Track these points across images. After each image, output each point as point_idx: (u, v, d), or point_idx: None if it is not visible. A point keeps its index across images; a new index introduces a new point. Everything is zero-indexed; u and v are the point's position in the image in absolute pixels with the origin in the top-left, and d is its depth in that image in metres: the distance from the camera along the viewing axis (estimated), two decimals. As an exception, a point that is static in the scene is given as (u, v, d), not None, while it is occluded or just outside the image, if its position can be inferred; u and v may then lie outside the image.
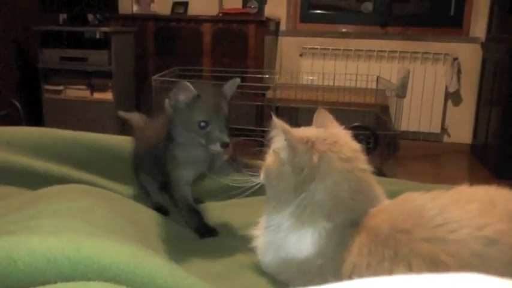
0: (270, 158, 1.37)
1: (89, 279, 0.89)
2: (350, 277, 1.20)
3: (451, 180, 4.55)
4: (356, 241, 1.22)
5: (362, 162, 1.32)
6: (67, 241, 0.95)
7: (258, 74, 5.12)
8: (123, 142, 2.10)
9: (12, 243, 0.93)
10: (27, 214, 1.25)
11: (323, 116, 1.47)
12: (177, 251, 1.49)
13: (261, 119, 5.12)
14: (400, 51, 5.97)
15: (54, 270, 0.89)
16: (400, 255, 1.14)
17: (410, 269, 1.11)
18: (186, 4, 6.19)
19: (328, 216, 1.25)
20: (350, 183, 1.28)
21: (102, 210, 1.37)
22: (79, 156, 2.01)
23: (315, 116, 1.48)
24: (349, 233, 1.24)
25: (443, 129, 6.10)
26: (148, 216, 1.70)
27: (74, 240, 0.96)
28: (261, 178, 1.42)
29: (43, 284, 0.88)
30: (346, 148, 1.31)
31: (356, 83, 5.36)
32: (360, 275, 1.17)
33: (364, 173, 1.32)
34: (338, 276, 1.21)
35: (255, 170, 1.52)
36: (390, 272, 1.14)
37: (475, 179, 4.54)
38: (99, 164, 2.03)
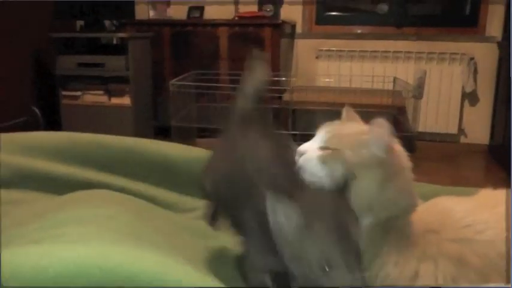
0: (348, 154, 1.30)
1: (118, 287, 0.90)
2: (377, 274, 1.23)
3: (469, 181, 4.52)
4: (386, 239, 1.24)
5: (411, 170, 1.34)
6: (97, 249, 0.97)
7: (275, 77, 5.12)
8: (141, 143, 2.11)
9: (43, 252, 0.95)
10: (53, 222, 1.26)
11: (350, 114, 1.47)
12: (204, 258, 1.47)
13: (278, 121, 5.12)
14: (416, 52, 5.95)
15: (84, 278, 0.91)
16: (427, 254, 1.17)
17: (436, 268, 1.14)
18: (202, 9, 6.20)
19: (377, 212, 1.26)
20: (407, 187, 1.30)
21: (127, 217, 1.39)
22: (99, 158, 2.02)
23: (343, 114, 1.47)
24: (382, 231, 1.26)
25: (460, 130, 6.09)
26: (173, 223, 1.71)
27: (104, 248, 0.99)
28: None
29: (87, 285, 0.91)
30: (404, 155, 1.33)
31: (372, 85, 5.36)
32: (387, 272, 1.21)
33: (412, 181, 1.34)
34: (365, 273, 1.21)
35: None
36: (417, 271, 1.17)
37: (493, 180, 4.53)
38: (118, 165, 2.03)
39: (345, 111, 1.48)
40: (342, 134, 1.35)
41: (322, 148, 1.33)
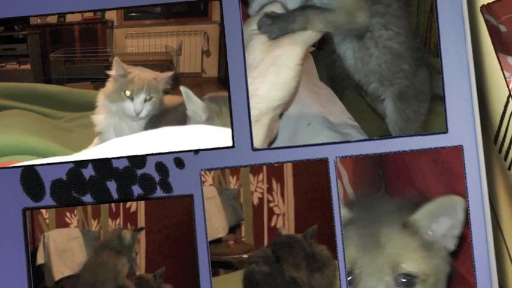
0: None
1: (27, 154, 1.13)
2: None
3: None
4: None
5: None
6: (13, 137, 1.21)
7: (105, 49, 7.42)
8: (39, 85, 2.26)
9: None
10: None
11: (119, 64, 1.65)
12: (70, 142, 1.35)
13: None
14: (177, 31, 7.51)
15: (8, 149, 1.15)
16: None
17: None
18: (65, 16, 8.25)
19: None
20: None
21: (29, 125, 1.45)
22: (14, 93, 2.05)
23: (115, 65, 1.65)
24: None
25: (202, 70, 8.11)
26: (53, 124, 1.71)
27: (17, 137, 1.24)
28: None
29: (5, 155, 1.11)
30: None
31: (155, 49, 7.56)
32: None
33: None
34: None
35: None
36: None
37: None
38: (26, 97, 2.05)
39: (115, 62, 1.67)
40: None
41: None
